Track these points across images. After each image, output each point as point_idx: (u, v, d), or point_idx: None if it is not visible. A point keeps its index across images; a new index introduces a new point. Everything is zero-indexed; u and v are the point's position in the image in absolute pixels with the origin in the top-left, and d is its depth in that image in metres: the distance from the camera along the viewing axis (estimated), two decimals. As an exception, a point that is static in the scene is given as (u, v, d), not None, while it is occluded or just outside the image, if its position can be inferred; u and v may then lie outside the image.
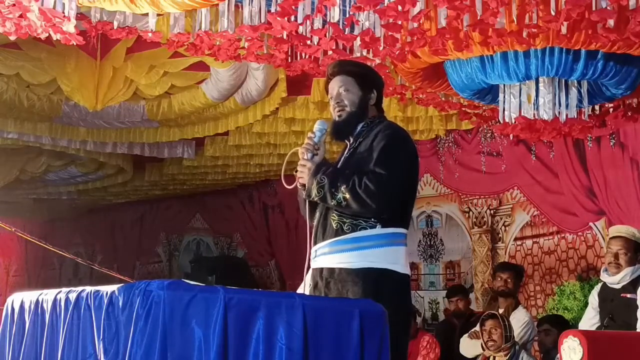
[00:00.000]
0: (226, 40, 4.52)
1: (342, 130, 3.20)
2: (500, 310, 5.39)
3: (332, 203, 2.96)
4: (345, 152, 3.20)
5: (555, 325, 5.43)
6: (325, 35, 4.21)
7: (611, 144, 6.53)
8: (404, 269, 3.02)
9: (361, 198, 2.90)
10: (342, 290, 2.94)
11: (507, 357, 5.05)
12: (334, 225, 3.01)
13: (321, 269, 3.05)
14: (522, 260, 7.23)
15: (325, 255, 3.04)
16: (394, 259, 2.98)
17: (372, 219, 2.97)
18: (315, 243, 3.09)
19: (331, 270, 3.01)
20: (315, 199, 3.01)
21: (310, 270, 3.10)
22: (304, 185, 3.06)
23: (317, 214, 3.10)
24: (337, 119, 3.20)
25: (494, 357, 5.16)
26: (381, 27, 4.12)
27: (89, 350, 2.33)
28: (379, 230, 2.97)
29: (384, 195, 2.91)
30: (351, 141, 3.19)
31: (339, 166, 3.14)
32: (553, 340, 5.26)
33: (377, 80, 3.32)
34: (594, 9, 3.76)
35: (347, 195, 2.92)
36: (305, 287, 3.09)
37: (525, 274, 6.43)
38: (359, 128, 3.17)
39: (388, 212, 2.97)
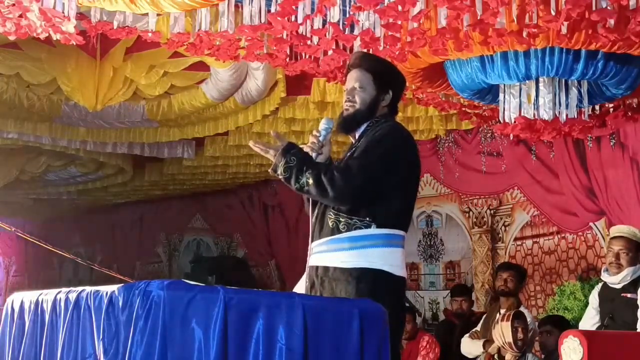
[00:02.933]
0: (226, 40, 4.52)
1: (346, 125, 3.17)
2: (502, 311, 5.39)
3: (295, 186, 2.93)
4: (348, 152, 3.19)
5: (557, 326, 5.41)
6: (325, 35, 4.20)
7: (611, 144, 6.52)
8: (400, 271, 2.98)
9: (322, 185, 2.87)
10: (335, 289, 2.92)
11: (517, 358, 5.04)
12: (330, 224, 2.98)
13: (317, 267, 3.03)
14: (522, 260, 7.23)
15: (321, 254, 3.02)
16: (389, 260, 2.95)
17: (367, 218, 2.94)
18: (312, 240, 3.07)
19: (326, 269, 2.99)
20: (280, 177, 2.98)
21: (307, 268, 3.09)
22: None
23: (315, 212, 3.07)
24: (344, 113, 3.18)
25: (496, 357, 5.16)
26: (381, 27, 4.12)
27: (89, 350, 2.33)
28: (373, 230, 2.94)
29: (347, 185, 2.87)
30: (355, 140, 3.18)
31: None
32: (555, 342, 5.24)
33: (396, 80, 3.24)
34: (594, 8, 3.75)
35: (310, 181, 2.88)
36: (302, 285, 3.08)
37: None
38: (363, 127, 3.14)
39: (351, 203, 2.93)
